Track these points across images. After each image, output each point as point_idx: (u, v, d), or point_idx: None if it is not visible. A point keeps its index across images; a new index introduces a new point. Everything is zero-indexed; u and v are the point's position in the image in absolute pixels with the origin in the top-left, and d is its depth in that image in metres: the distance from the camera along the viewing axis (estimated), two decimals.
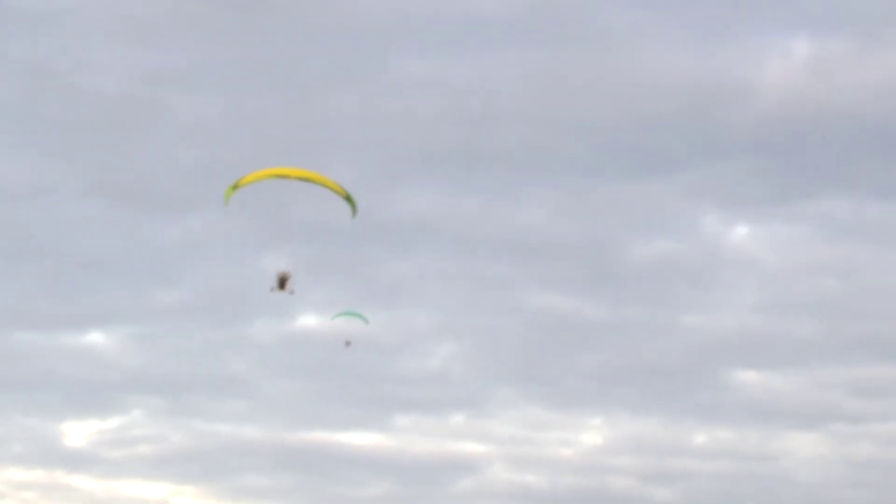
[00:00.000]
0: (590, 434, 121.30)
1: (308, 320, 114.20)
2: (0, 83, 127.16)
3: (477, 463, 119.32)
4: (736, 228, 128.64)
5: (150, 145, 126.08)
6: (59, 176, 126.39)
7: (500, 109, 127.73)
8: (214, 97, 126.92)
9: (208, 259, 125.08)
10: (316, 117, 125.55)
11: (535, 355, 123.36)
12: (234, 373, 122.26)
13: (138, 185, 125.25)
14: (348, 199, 60.93)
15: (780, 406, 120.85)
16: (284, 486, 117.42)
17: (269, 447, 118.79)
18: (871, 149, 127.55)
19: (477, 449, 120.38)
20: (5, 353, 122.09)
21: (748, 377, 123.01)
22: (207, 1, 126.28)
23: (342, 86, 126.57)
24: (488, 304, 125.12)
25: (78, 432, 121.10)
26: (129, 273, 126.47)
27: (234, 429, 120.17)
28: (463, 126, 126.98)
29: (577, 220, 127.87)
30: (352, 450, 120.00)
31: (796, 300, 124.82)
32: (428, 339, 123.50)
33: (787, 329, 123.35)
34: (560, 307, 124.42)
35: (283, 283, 63.89)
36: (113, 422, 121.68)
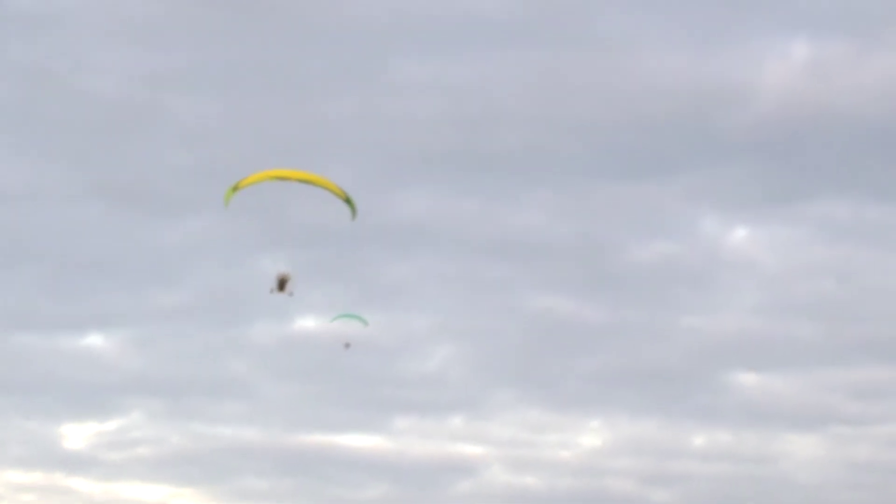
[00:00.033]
0: (589, 436, 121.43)
1: (307, 322, 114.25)
2: None
3: (476, 465, 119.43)
4: (735, 230, 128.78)
5: (149, 147, 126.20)
6: (57, 177, 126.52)
7: (500, 111, 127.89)
8: (214, 99, 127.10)
9: (207, 261, 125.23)
10: (315, 119, 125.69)
11: (534, 357, 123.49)
12: (234, 375, 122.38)
13: (137, 187, 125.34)
14: (348, 201, 60.92)
15: (780, 408, 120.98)
16: (283, 488, 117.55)
17: (268, 449, 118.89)
18: (870, 150, 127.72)
19: (476, 451, 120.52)
20: (4, 354, 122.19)
21: (747, 379, 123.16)
22: (207, 2, 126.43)
23: (341, 87, 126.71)
24: (487, 306, 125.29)
25: (77, 434, 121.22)
26: (128, 275, 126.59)
27: (233, 431, 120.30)
28: (462, 128, 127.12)
29: (576, 221, 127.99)
30: (351, 452, 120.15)
31: (796, 302, 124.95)
32: (427, 341, 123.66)
33: (786, 331, 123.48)
34: (559, 309, 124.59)
35: (282, 284, 63.90)
36: (112, 424, 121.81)
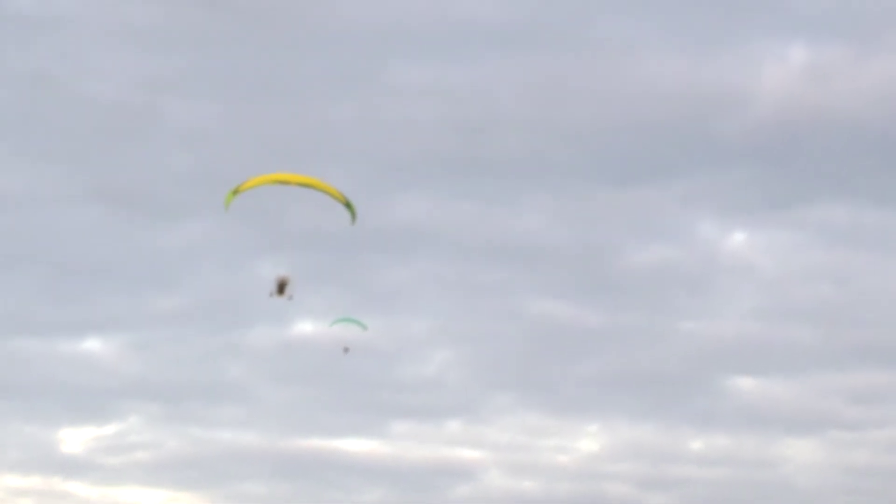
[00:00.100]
0: (586, 440, 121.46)
1: (305, 327, 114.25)
2: None
3: (473, 469, 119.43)
4: (733, 235, 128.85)
5: (147, 152, 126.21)
6: (57, 181, 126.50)
7: (499, 116, 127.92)
8: (212, 103, 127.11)
9: (206, 265, 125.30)
10: (314, 123, 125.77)
11: (533, 361, 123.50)
12: (232, 379, 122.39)
13: (136, 192, 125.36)
14: (348, 205, 60.93)
15: (778, 413, 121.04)
16: (282, 492, 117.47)
17: (266, 453, 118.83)
18: (868, 155, 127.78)
19: (473, 455, 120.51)
20: (2, 358, 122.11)
21: (745, 384, 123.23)
22: (205, 8, 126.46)
23: (341, 91, 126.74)
24: (486, 311, 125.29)
25: (75, 439, 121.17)
26: (126, 279, 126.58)
27: (231, 435, 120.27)
28: (461, 132, 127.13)
29: (574, 226, 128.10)
30: (348, 456, 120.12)
31: (793, 307, 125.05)
32: (425, 346, 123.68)
33: (784, 335, 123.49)
34: (557, 313, 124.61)
35: (282, 287, 63.90)
36: (110, 428, 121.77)
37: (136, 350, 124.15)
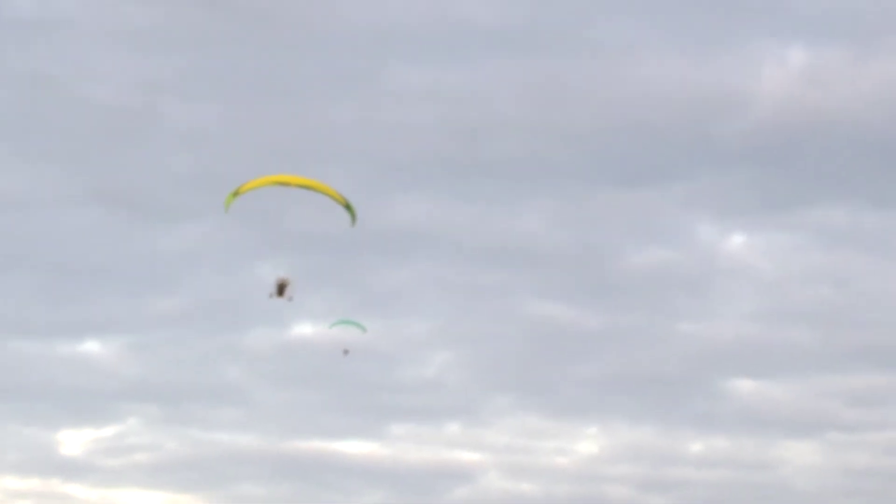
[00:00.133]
0: (586, 442, 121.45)
1: (304, 329, 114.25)
2: None
3: (472, 471, 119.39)
4: (732, 237, 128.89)
5: (146, 153, 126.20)
6: (55, 183, 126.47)
7: (498, 118, 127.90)
8: (211, 105, 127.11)
9: (205, 267, 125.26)
10: (313, 126, 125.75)
11: (532, 363, 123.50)
12: (231, 381, 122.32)
13: (135, 194, 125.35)
14: (348, 207, 60.92)
15: (777, 415, 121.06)
16: (280, 494, 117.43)
17: (265, 456, 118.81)
18: (867, 157, 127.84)
19: (472, 457, 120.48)
20: (1, 361, 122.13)
21: (744, 386, 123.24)
22: (204, 10, 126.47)
23: (339, 95, 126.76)
24: (485, 313, 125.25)
25: (74, 441, 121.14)
26: (125, 281, 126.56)
27: (230, 437, 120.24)
28: (460, 134, 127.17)
29: (573, 228, 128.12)
30: (348, 458, 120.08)
31: (793, 309, 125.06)
32: (424, 348, 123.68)
33: (783, 338, 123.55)
34: (556, 315, 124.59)
35: (281, 289, 63.93)
36: (109, 430, 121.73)
37: (136, 352, 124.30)
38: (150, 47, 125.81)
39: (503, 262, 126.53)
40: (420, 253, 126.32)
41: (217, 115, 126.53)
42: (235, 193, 59.62)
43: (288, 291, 63.94)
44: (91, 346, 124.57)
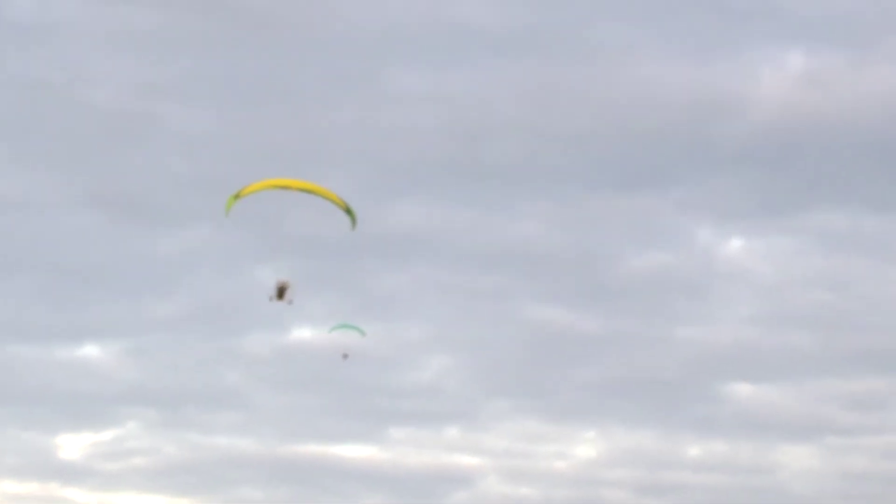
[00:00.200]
0: (584, 447, 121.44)
1: (303, 333, 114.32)
2: None
3: (471, 476, 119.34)
4: (731, 241, 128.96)
5: (145, 157, 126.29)
6: (54, 187, 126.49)
7: (496, 122, 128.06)
8: (210, 109, 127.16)
9: (204, 271, 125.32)
10: (311, 130, 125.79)
11: (530, 367, 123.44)
12: (229, 385, 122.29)
13: (134, 198, 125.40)
14: (348, 211, 60.94)
15: (775, 419, 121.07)
16: (279, 498, 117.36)
17: (263, 460, 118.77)
18: (866, 161, 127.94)
19: (471, 462, 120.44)
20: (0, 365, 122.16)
21: (743, 390, 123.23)
22: (202, 14, 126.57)
23: (337, 98, 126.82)
24: (483, 317, 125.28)
25: (72, 445, 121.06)
26: (124, 285, 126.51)
27: (229, 441, 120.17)
28: (459, 138, 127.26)
29: (571, 232, 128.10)
30: (346, 462, 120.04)
31: (791, 313, 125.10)
32: (423, 352, 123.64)
33: (781, 342, 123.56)
34: (555, 319, 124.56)
35: (281, 292, 63.94)
36: (108, 434, 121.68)
37: (134, 356, 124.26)
38: (150, 51, 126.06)
39: (502, 266, 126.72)
40: (419, 257, 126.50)
41: (216, 119, 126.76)
42: (236, 196, 59.63)
43: (288, 295, 63.94)
44: (90, 350, 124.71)
